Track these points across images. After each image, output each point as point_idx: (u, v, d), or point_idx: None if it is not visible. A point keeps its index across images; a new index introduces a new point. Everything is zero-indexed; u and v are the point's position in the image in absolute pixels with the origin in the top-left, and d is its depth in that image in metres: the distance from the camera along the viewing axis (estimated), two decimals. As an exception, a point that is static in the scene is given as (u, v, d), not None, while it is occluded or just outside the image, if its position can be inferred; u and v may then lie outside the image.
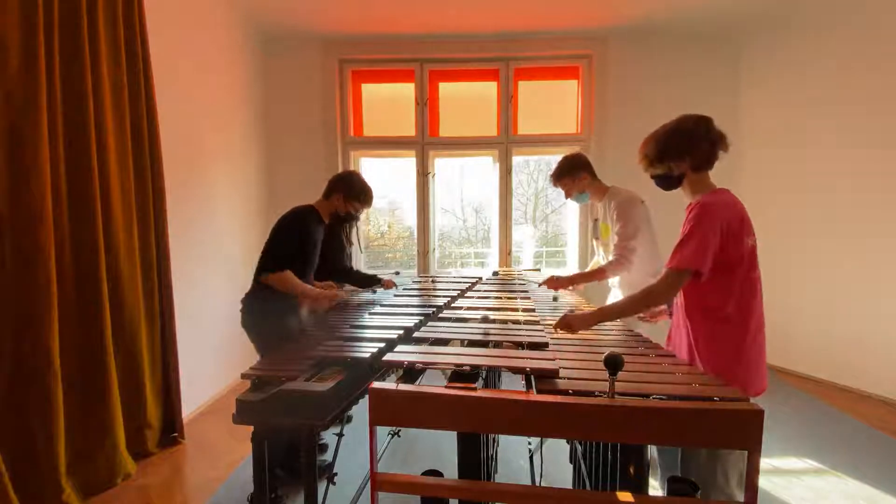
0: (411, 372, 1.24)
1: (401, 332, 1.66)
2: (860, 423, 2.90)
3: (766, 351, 1.54)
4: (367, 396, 0.96)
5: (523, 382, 1.25)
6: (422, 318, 1.87)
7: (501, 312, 1.90)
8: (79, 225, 2.18)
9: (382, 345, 1.50)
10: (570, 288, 2.53)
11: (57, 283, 2.00)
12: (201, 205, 3.24)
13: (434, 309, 2.03)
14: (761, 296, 1.51)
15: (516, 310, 1.95)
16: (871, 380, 3.33)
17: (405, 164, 4.60)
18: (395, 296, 2.44)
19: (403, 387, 0.95)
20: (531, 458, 2.42)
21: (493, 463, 2.08)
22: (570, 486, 1.85)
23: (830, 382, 3.56)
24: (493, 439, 2.00)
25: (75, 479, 2.10)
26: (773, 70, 3.87)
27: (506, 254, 4.35)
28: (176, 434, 2.71)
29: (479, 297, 2.30)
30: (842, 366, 3.49)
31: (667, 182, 1.60)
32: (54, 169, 2.04)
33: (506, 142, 4.25)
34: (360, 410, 1.49)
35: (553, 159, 5.84)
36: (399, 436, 2.69)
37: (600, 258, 2.57)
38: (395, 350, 1.32)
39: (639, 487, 1.03)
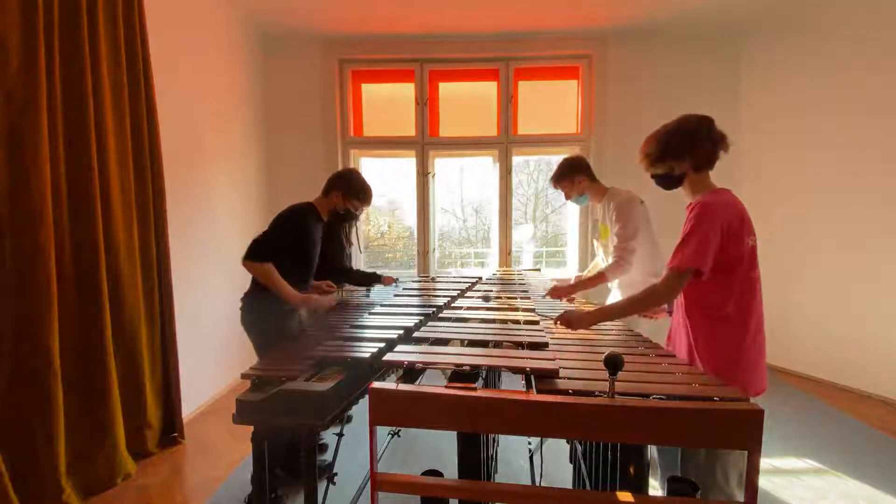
0: (411, 372, 1.24)
1: (401, 332, 1.66)
2: (860, 423, 2.90)
3: (766, 351, 1.55)
4: (367, 396, 0.96)
5: (523, 382, 1.25)
6: (422, 318, 1.87)
7: (501, 312, 1.90)
8: (79, 225, 2.18)
9: (382, 345, 1.50)
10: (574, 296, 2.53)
11: (57, 283, 2.00)
12: (201, 205, 3.24)
13: (434, 309, 2.03)
14: (761, 296, 1.51)
15: (516, 309, 1.95)
16: (871, 380, 3.33)
17: (405, 164, 4.60)
18: (395, 296, 2.44)
19: (403, 387, 0.95)
20: (531, 458, 2.41)
21: (493, 463, 2.07)
22: (570, 486, 1.84)
23: (830, 382, 3.55)
24: (493, 439, 2.00)
25: (75, 479, 2.10)
26: (773, 70, 3.87)
27: (506, 254, 4.35)
28: (176, 434, 2.71)
29: (479, 297, 2.29)
30: (842, 366, 3.49)
31: (667, 182, 1.60)
32: (54, 169, 2.04)
33: (506, 142, 4.25)
34: (360, 410, 1.49)
35: (553, 159, 5.84)
36: (399, 436, 2.69)
37: (600, 259, 2.57)
38: (395, 350, 1.32)
39: (639, 487, 1.03)
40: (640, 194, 2.44)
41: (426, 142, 4.28)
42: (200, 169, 3.23)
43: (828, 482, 2.25)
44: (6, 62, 1.86)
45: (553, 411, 0.88)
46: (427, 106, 4.25)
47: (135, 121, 2.49)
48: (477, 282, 2.92)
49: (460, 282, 2.94)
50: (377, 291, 2.74)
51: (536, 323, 1.71)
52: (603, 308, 1.62)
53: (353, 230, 2.84)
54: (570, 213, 4.62)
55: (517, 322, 1.74)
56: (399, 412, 0.95)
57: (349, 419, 2.86)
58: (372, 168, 4.87)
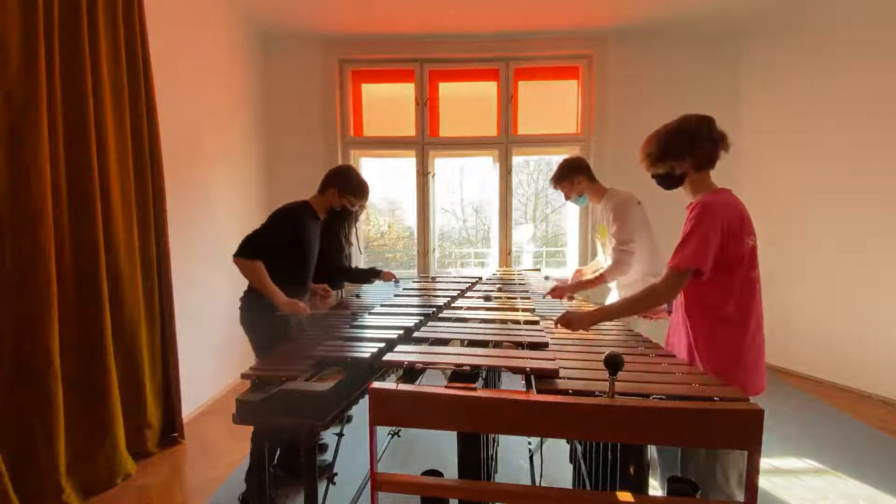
0: (411, 372, 1.24)
1: (401, 332, 1.66)
2: (860, 423, 2.90)
3: (766, 351, 1.55)
4: (367, 396, 0.96)
5: (523, 382, 1.25)
6: (422, 318, 1.87)
7: (502, 312, 1.90)
8: (79, 225, 2.18)
9: (382, 345, 1.50)
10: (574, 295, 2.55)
11: (57, 283, 2.00)
12: (201, 205, 3.24)
13: (434, 309, 2.03)
14: (760, 295, 1.51)
15: (516, 310, 1.95)
16: (871, 380, 3.33)
17: (405, 164, 4.60)
18: (396, 296, 2.44)
19: (403, 387, 0.95)
20: (531, 458, 2.42)
21: (493, 463, 2.07)
22: (570, 486, 1.85)
23: (830, 382, 3.55)
24: (493, 439, 2.00)
25: (75, 479, 2.10)
26: (773, 70, 3.87)
27: (506, 254, 4.35)
28: (176, 434, 2.71)
29: (478, 297, 2.30)
30: (842, 366, 3.49)
31: (668, 181, 1.60)
32: (54, 169, 2.04)
33: (506, 142, 4.25)
34: (360, 410, 1.49)
35: (553, 159, 5.83)
36: (399, 436, 2.69)
37: (601, 258, 2.58)
38: (395, 350, 1.32)
39: (639, 487, 1.03)
40: (640, 194, 2.45)
41: (426, 142, 4.28)
42: (200, 169, 3.23)
43: (828, 482, 2.25)
44: (6, 62, 1.86)
45: (553, 411, 0.88)
46: (427, 106, 4.25)
47: (135, 121, 2.49)
48: (477, 282, 2.92)
49: (460, 282, 2.94)
50: (377, 291, 2.74)
51: (536, 323, 1.71)
52: (603, 308, 1.62)
53: (353, 230, 2.83)
54: (570, 214, 4.62)
55: (517, 322, 1.74)
56: (399, 412, 0.95)
57: (349, 419, 2.86)
58: (372, 168, 4.87)
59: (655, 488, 1.76)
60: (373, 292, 2.73)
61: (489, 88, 4.26)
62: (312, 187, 2.27)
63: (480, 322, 1.75)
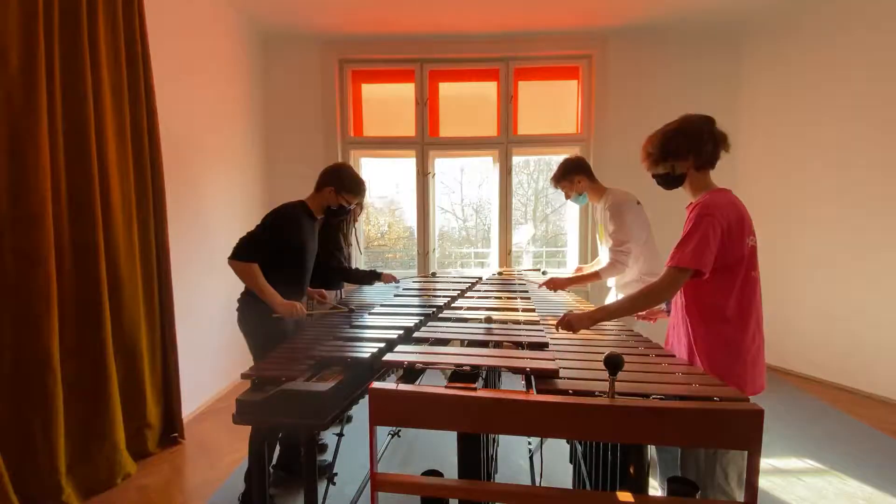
0: (411, 372, 1.24)
1: (401, 332, 1.66)
2: (860, 423, 2.90)
3: (766, 351, 1.55)
4: (367, 396, 0.96)
5: (523, 382, 1.26)
6: (422, 318, 1.87)
7: (502, 313, 1.90)
8: (79, 225, 2.18)
9: (382, 345, 1.50)
10: (568, 289, 2.59)
11: (57, 284, 2.00)
12: (202, 205, 3.24)
13: (434, 309, 2.03)
14: (760, 295, 1.51)
15: (516, 310, 1.95)
16: (871, 380, 3.33)
17: (405, 164, 4.60)
18: (396, 296, 2.44)
19: (403, 387, 0.95)
20: (531, 458, 2.42)
21: (493, 463, 2.07)
22: (570, 486, 1.85)
23: (830, 382, 3.55)
24: (493, 439, 2.00)
25: (75, 479, 2.10)
26: (774, 70, 3.87)
27: (506, 254, 4.35)
28: (176, 434, 2.71)
29: (479, 297, 2.30)
30: (842, 366, 3.49)
31: (668, 181, 1.60)
32: (54, 169, 2.04)
33: (506, 142, 4.25)
34: (360, 410, 1.49)
35: (553, 159, 5.83)
36: (399, 436, 2.69)
37: (602, 257, 2.59)
38: (395, 350, 1.32)
39: (639, 487, 1.03)
40: (640, 194, 2.46)
41: (426, 142, 4.28)
42: (200, 169, 3.23)
43: (828, 482, 2.25)
44: (6, 62, 1.86)
45: (553, 411, 0.88)
46: (427, 106, 4.25)
47: (135, 121, 2.49)
48: (477, 282, 2.92)
49: (460, 282, 2.94)
50: (377, 291, 2.74)
51: (536, 323, 1.71)
52: (603, 308, 1.62)
53: (352, 230, 2.82)
54: (570, 214, 4.62)
55: (517, 322, 1.74)
56: (399, 412, 0.95)
57: (349, 419, 2.86)
58: (372, 168, 4.87)
59: (655, 488, 1.76)
60: (373, 292, 2.72)
61: (489, 88, 4.26)
62: (312, 187, 2.26)
63: (480, 322, 1.74)
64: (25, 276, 1.91)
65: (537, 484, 2.07)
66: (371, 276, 2.68)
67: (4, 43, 1.85)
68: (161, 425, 2.66)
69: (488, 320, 1.72)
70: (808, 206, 3.69)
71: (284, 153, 4.23)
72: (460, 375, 1.15)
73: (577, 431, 0.92)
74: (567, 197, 2.53)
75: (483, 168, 8.39)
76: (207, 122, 3.32)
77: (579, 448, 1.64)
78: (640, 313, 1.95)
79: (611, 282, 2.55)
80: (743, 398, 1.01)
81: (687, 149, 1.52)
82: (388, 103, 4.37)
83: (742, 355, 1.47)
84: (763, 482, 2.20)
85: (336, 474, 1.79)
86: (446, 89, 4.30)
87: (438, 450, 2.56)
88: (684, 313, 1.56)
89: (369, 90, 4.38)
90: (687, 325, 1.54)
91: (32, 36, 1.92)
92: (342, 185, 2.14)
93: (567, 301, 2.44)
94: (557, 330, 1.58)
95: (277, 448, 2.30)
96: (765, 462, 2.35)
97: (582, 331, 1.63)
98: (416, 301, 2.28)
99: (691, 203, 1.55)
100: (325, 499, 1.64)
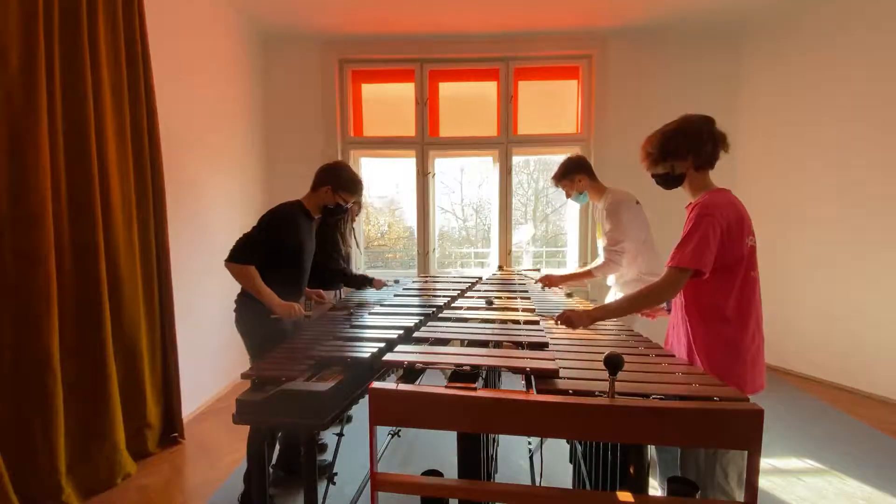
0: (411, 372, 1.24)
1: (401, 332, 1.66)
2: (860, 423, 2.90)
3: (766, 351, 1.55)
4: (367, 396, 0.96)
5: (523, 382, 1.25)
6: (422, 318, 1.87)
7: (502, 312, 1.90)
8: (79, 225, 2.18)
9: (382, 345, 1.50)
10: (562, 286, 2.62)
11: (57, 284, 2.00)
12: (201, 204, 3.24)
13: (434, 309, 2.02)
14: (760, 295, 1.51)
15: (516, 309, 1.95)
16: (871, 380, 3.33)
17: (405, 164, 4.60)
18: (396, 296, 2.44)
19: (403, 387, 0.95)
20: (531, 458, 2.42)
21: (493, 463, 2.08)
22: (570, 486, 1.85)
23: (830, 382, 3.55)
24: (493, 439, 2.00)
25: (75, 479, 2.10)
26: (773, 70, 3.87)
27: (506, 254, 4.35)
28: (176, 434, 2.71)
29: (478, 297, 2.30)
30: (842, 366, 3.49)
31: (668, 181, 1.61)
32: (54, 169, 2.04)
33: (506, 142, 4.25)
34: (360, 410, 1.49)
35: (553, 159, 5.82)
36: (399, 436, 2.69)
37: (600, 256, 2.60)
38: (395, 350, 1.32)
39: (639, 487, 1.03)
40: (639, 194, 2.47)
41: (426, 142, 4.28)
42: (200, 169, 3.23)
43: (828, 482, 2.25)
44: (6, 62, 1.86)
45: (553, 411, 0.88)
46: (427, 106, 4.25)
47: (135, 121, 2.49)
48: (477, 282, 2.92)
49: (460, 282, 2.94)
50: (376, 292, 2.73)
51: (536, 323, 1.71)
52: (603, 306, 1.62)
53: (350, 229, 2.81)
54: (570, 213, 4.62)
55: (517, 322, 1.74)
56: (399, 412, 0.95)
57: (349, 419, 2.86)
58: (372, 168, 4.87)
59: (655, 488, 1.76)
60: (373, 292, 2.72)
61: (489, 88, 4.26)
62: (312, 187, 2.26)
63: (480, 322, 1.74)
64: (25, 276, 1.91)
65: (537, 484, 2.07)
66: (363, 281, 2.65)
67: (4, 43, 1.85)
68: (161, 425, 2.66)
69: (489, 302, 1.73)
70: (807, 206, 3.69)
71: (284, 153, 4.23)
72: (460, 375, 1.15)
73: (577, 431, 0.92)
74: (568, 196, 2.54)
75: (483, 168, 8.39)
76: (207, 122, 3.32)
77: (579, 448, 1.64)
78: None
79: (611, 280, 2.56)
80: (743, 398, 1.01)
81: (686, 149, 1.52)
82: (388, 103, 4.37)
83: (742, 355, 1.47)
84: (763, 482, 2.20)
85: (336, 474, 1.79)
86: (446, 89, 4.30)
87: (438, 450, 2.56)
88: (684, 313, 1.56)
89: (369, 90, 4.38)
90: (686, 325, 1.54)
91: (32, 36, 1.92)
92: (339, 184, 2.13)
93: (568, 301, 2.44)
94: (556, 324, 1.58)
95: (277, 448, 2.30)
96: (765, 462, 2.35)
97: (582, 331, 1.63)
98: (416, 301, 2.28)
99: (691, 203, 1.55)
100: (325, 499, 1.64)
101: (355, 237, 2.93)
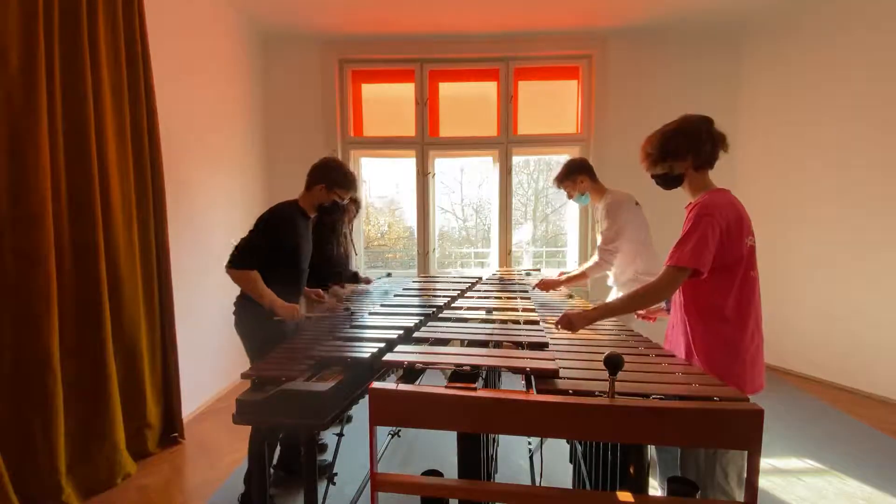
0: (411, 372, 1.24)
1: (401, 332, 1.66)
2: (860, 423, 2.90)
3: (766, 351, 1.55)
4: (367, 396, 0.96)
5: (523, 382, 1.25)
6: (422, 318, 1.87)
7: (502, 313, 1.90)
8: (79, 225, 2.18)
9: (382, 345, 1.50)
10: (560, 288, 2.63)
11: (57, 283, 2.00)
12: (202, 204, 3.24)
13: (434, 309, 2.02)
14: (759, 295, 1.51)
15: (516, 310, 1.95)
16: (871, 380, 3.33)
17: (405, 164, 4.60)
18: (396, 296, 2.44)
19: (403, 387, 0.95)
20: (531, 458, 2.42)
21: (493, 463, 2.08)
22: (570, 486, 1.85)
23: (830, 382, 3.55)
24: (493, 439, 2.00)
25: (75, 479, 2.10)
26: (773, 70, 3.87)
27: (506, 254, 4.35)
28: (176, 434, 2.71)
29: (479, 297, 2.30)
30: (842, 366, 3.49)
31: (667, 181, 1.61)
32: (54, 169, 2.04)
33: (506, 142, 4.25)
34: (360, 410, 1.49)
35: (553, 159, 5.83)
36: (399, 436, 2.69)
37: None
38: (395, 350, 1.32)
39: (639, 487, 1.03)
40: (640, 194, 2.48)
41: (426, 142, 4.28)
42: (200, 169, 3.23)
43: (828, 482, 2.25)
44: (6, 62, 1.86)
45: (553, 411, 0.88)
46: (427, 106, 4.25)
47: (135, 121, 2.49)
48: (477, 282, 2.92)
49: (460, 282, 2.94)
50: (377, 292, 2.74)
51: (536, 323, 1.71)
52: (601, 306, 1.62)
53: (344, 228, 2.80)
54: (570, 213, 4.62)
55: (517, 322, 1.74)
56: (399, 412, 0.95)
57: (349, 419, 2.86)
58: (372, 168, 4.87)
59: (655, 488, 1.76)
60: (375, 292, 2.73)
61: (489, 88, 4.26)
62: (312, 187, 2.25)
63: (480, 322, 1.75)
64: (25, 276, 1.91)
65: (537, 484, 2.07)
66: (356, 281, 2.78)
67: (4, 43, 1.85)
68: (161, 425, 2.66)
69: (488, 312, 1.74)
70: (807, 205, 3.69)
71: (284, 153, 4.23)
72: (460, 375, 1.15)
73: (577, 431, 0.92)
74: (570, 197, 2.58)
75: (483, 168, 8.39)
76: (207, 122, 3.32)
77: (579, 448, 1.64)
78: (639, 312, 1.96)
79: (611, 280, 2.57)
80: (743, 398, 1.01)
81: (686, 149, 1.52)
82: (388, 103, 4.37)
83: (741, 355, 1.47)
84: (763, 482, 2.20)
85: (336, 474, 1.79)
86: (446, 89, 4.30)
87: (438, 450, 2.56)
88: (683, 313, 1.56)
89: (369, 90, 4.38)
90: (686, 325, 1.54)
91: (32, 36, 1.92)
92: (333, 181, 2.11)
93: (569, 302, 2.44)
94: (557, 328, 1.58)
95: (277, 448, 2.30)
96: (765, 462, 2.35)
97: (582, 331, 1.63)
98: (416, 301, 2.28)
99: (690, 203, 1.55)
100: (325, 499, 1.64)
101: (351, 239, 2.92)
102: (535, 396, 0.92)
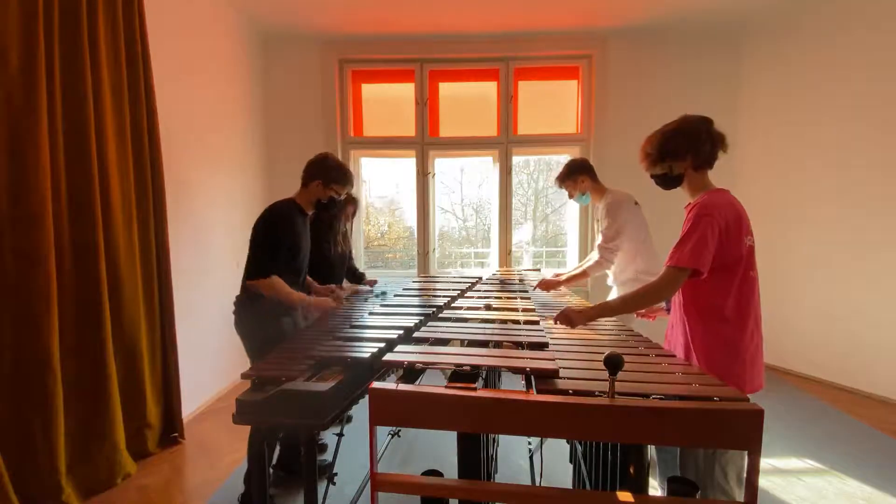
0: (411, 372, 1.24)
1: (401, 332, 1.66)
2: (860, 423, 2.90)
3: (766, 351, 1.55)
4: (367, 396, 0.96)
5: (523, 382, 1.25)
6: (422, 318, 1.87)
7: (501, 313, 1.90)
8: (79, 225, 2.18)
9: (382, 345, 1.50)
10: (561, 288, 2.63)
11: (57, 284, 2.00)
12: (202, 204, 3.24)
13: (434, 309, 2.02)
14: (759, 295, 1.51)
15: (516, 310, 1.95)
16: (870, 380, 3.33)
17: (405, 164, 4.60)
18: (396, 296, 2.44)
19: (403, 387, 0.95)
20: (531, 458, 2.42)
21: (493, 463, 2.08)
22: (570, 486, 1.85)
23: (830, 382, 3.55)
24: (493, 439, 2.00)
25: (75, 479, 2.10)
26: (773, 70, 3.87)
27: (506, 254, 4.35)
28: (176, 434, 2.71)
29: (478, 297, 2.30)
30: (842, 366, 3.49)
31: (667, 181, 1.61)
32: (54, 169, 2.04)
33: (506, 142, 4.25)
34: (360, 410, 1.49)
35: (553, 159, 5.83)
36: (399, 436, 2.69)
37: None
38: (395, 350, 1.32)
39: (639, 487, 1.03)
40: (639, 194, 2.49)
41: (426, 142, 4.28)
42: (200, 169, 3.23)
43: (828, 482, 2.25)
44: (6, 62, 1.86)
45: (553, 411, 0.88)
46: (427, 106, 4.25)
47: (135, 121, 2.49)
48: (477, 282, 2.92)
49: (460, 282, 2.94)
50: (390, 281, 2.76)
51: (536, 323, 1.71)
52: (601, 305, 1.62)
53: (346, 226, 2.80)
54: (570, 213, 4.62)
55: (517, 322, 1.74)
56: (399, 412, 0.95)
57: (349, 419, 2.86)
58: (372, 168, 4.87)
59: (655, 488, 1.76)
60: (387, 281, 2.76)
61: (489, 88, 4.26)
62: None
63: (480, 322, 1.74)
64: (25, 276, 1.91)
65: (537, 484, 2.07)
66: (357, 279, 2.79)
67: (4, 43, 1.85)
68: (161, 425, 2.66)
69: (488, 307, 1.74)
70: (807, 205, 3.69)
71: (284, 153, 4.23)
72: (460, 375, 1.15)
73: (577, 431, 0.92)
74: (570, 196, 2.59)
75: (483, 168, 8.39)
76: (207, 122, 3.32)
77: (579, 448, 1.64)
78: (639, 311, 1.96)
79: (611, 280, 2.58)
80: (743, 398, 1.01)
81: (685, 149, 1.52)
82: (388, 103, 4.37)
83: (740, 355, 1.47)
84: (763, 482, 2.20)
85: (336, 474, 1.79)
86: (446, 89, 4.30)
87: (438, 450, 2.56)
88: (682, 313, 1.56)
89: (369, 90, 4.38)
90: (685, 325, 1.55)
91: (32, 36, 1.92)
92: (329, 177, 2.11)
93: (570, 302, 2.44)
94: (556, 323, 1.58)
95: (277, 448, 2.30)
96: (765, 462, 2.35)
97: (582, 331, 1.63)
98: (416, 301, 2.28)
99: (690, 203, 1.55)
100: (325, 499, 1.64)
101: (346, 238, 2.92)
102: (535, 396, 0.92)
